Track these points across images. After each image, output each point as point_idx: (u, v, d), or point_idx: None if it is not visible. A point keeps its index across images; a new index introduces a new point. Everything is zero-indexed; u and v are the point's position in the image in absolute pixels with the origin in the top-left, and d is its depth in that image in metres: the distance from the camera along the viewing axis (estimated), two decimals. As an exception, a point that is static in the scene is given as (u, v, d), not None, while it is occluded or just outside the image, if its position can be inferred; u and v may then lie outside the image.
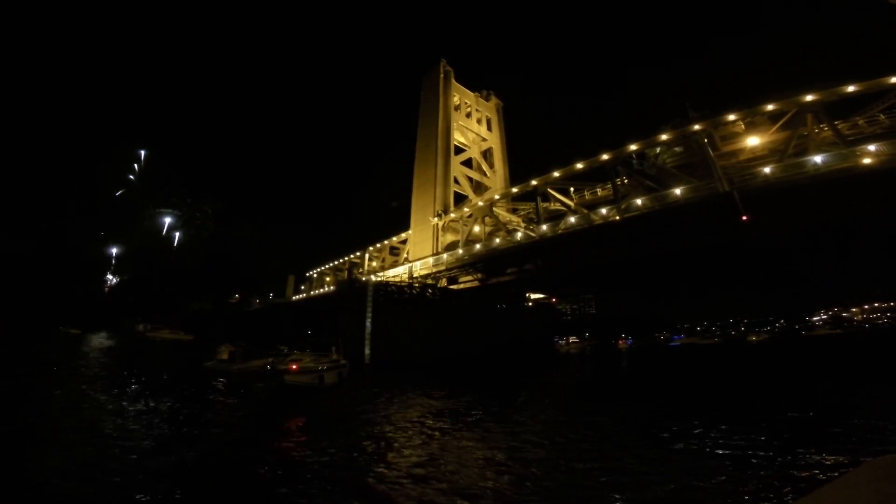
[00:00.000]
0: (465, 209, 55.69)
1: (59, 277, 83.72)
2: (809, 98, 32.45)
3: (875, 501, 2.07)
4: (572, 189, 47.21)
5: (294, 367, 24.09)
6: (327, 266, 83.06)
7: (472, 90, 75.87)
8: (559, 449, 11.07)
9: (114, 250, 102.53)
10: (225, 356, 38.90)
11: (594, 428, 13.63)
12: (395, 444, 11.67)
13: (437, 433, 12.97)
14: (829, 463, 9.08)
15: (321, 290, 78.45)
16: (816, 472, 8.60)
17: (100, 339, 59.50)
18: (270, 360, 33.96)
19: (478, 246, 47.79)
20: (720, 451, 10.29)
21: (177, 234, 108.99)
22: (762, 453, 9.97)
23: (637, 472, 8.93)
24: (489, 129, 76.98)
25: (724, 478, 8.45)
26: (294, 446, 11.68)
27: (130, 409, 15.43)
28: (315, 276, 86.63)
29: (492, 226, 51.59)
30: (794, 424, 13.29)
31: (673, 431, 12.42)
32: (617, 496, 7.71)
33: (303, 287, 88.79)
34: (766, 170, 30.88)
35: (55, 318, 67.76)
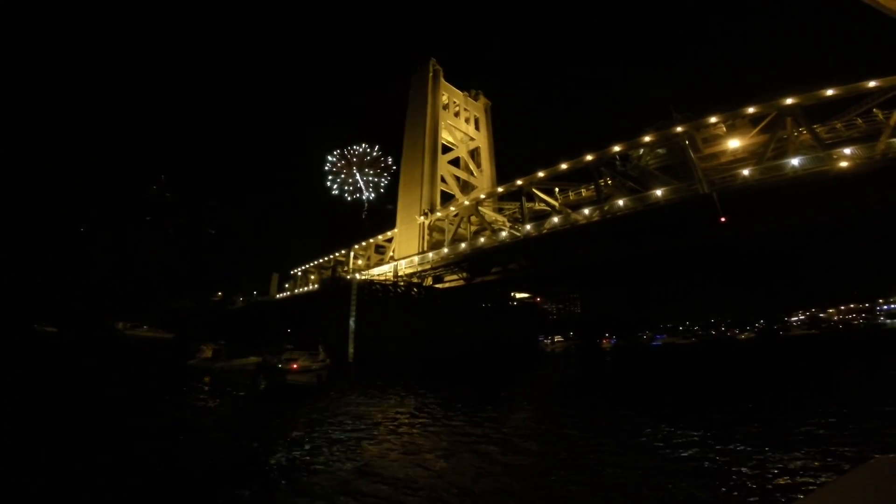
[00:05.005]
0: (452, 208, 55.55)
1: (34, 273, 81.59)
2: (789, 101, 32.93)
3: (875, 501, 2.05)
4: (557, 189, 47.41)
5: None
6: (312, 264, 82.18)
7: (461, 90, 75.70)
8: (538, 449, 10.96)
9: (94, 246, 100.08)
10: (208, 354, 38.45)
11: (577, 428, 13.52)
12: (378, 443, 11.54)
13: (420, 432, 12.84)
14: (817, 465, 8.92)
15: (305, 289, 77.56)
16: (812, 471, 8.45)
17: (77, 338, 58.09)
18: (257, 359, 33.74)
19: (463, 245, 47.68)
20: (713, 453, 10.10)
21: (159, 232, 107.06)
22: (756, 454, 9.85)
23: (624, 478, 8.73)
24: (477, 128, 76.92)
25: (718, 480, 8.26)
26: (290, 447, 11.46)
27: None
28: (299, 274, 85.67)
29: (477, 225, 51.54)
30: (787, 425, 13.18)
31: (658, 433, 12.18)
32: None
33: (287, 285, 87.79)
34: (745, 172, 31.25)
35: (30, 316, 65.92)
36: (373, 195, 69.81)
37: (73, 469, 9.19)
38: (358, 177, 69.62)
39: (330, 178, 70.95)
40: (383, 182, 70.66)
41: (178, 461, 10.00)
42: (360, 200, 69.87)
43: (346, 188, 70.56)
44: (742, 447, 10.20)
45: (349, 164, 70.43)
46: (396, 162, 69.28)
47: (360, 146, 71.31)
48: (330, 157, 71.29)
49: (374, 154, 70.86)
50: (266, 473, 9.07)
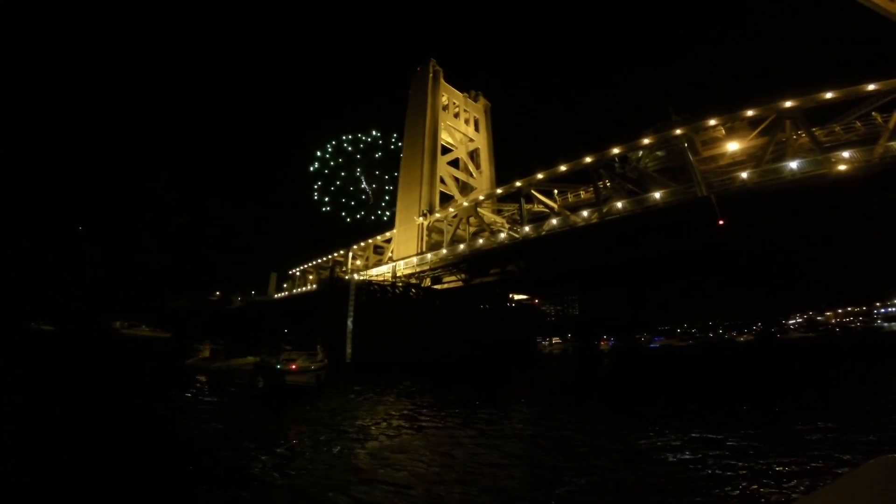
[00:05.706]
0: (451, 209, 55.52)
1: (31, 271, 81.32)
2: (788, 104, 32.99)
3: (875, 501, 2.05)
4: (556, 191, 47.47)
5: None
6: (311, 264, 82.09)
7: (461, 90, 75.76)
8: (537, 449, 10.94)
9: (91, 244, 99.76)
10: (206, 354, 38.31)
11: (576, 429, 13.45)
12: (377, 443, 11.54)
13: (419, 432, 12.81)
14: (816, 466, 8.87)
15: (304, 289, 77.46)
16: (812, 472, 8.38)
17: (74, 337, 57.92)
18: (255, 359, 33.72)
19: (462, 246, 47.68)
20: (713, 452, 9.98)
21: (159, 232, 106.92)
22: (755, 455, 9.80)
23: (624, 474, 8.72)
24: (476, 129, 77.01)
25: (718, 481, 8.18)
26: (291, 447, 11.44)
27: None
28: (298, 274, 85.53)
29: (476, 226, 51.55)
30: (786, 426, 13.10)
31: (657, 435, 11.99)
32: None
33: (285, 285, 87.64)
34: (744, 175, 31.31)
35: (25, 314, 65.60)
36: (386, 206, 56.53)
37: (69, 469, 9.13)
38: (364, 184, 57.92)
39: (318, 184, 58.64)
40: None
41: (174, 462, 9.94)
42: (361, 201, 59.51)
43: (344, 199, 57.20)
44: (741, 448, 10.19)
45: (352, 163, 60.29)
46: (396, 162, 68.77)
47: (370, 135, 59.65)
48: (319, 153, 60.63)
49: (391, 147, 58.41)
50: (266, 474, 9.03)
